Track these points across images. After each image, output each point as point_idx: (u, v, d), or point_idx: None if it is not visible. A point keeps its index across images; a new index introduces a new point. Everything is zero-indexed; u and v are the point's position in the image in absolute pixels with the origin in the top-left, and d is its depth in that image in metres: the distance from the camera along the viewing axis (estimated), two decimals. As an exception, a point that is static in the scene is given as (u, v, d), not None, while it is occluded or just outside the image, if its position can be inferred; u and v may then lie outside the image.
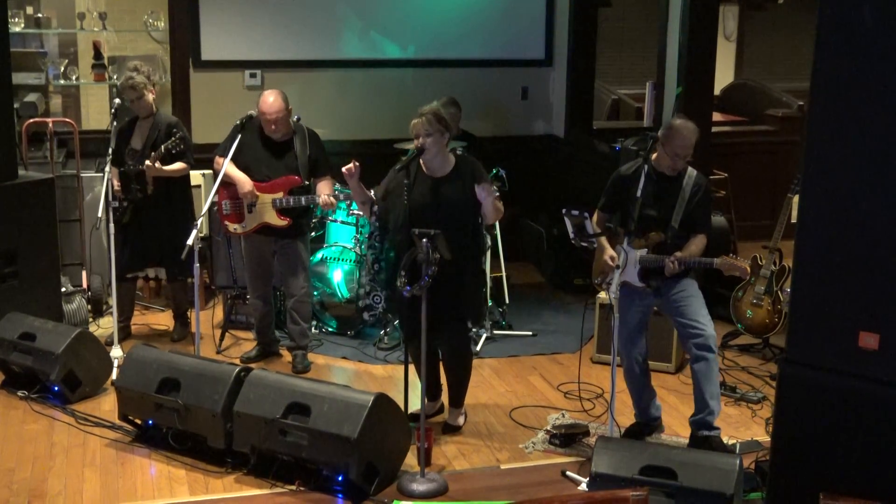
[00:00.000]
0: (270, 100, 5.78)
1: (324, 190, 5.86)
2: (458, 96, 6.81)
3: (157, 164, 6.01)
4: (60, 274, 6.55)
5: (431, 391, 5.39)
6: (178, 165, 6.15)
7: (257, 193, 5.84)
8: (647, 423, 5.22)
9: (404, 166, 4.95)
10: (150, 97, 6.14)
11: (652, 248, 4.93)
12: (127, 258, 6.25)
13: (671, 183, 4.95)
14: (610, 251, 4.95)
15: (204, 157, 6.46)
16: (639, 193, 4.85)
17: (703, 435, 4.98)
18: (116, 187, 6.08)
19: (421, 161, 5.03)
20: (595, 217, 5.08)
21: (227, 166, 5.71)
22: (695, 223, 4.96)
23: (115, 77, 7.50)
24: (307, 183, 5.88)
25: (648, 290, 4.98)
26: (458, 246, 4.81)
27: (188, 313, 6.51)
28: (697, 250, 4.92)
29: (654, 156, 4.97)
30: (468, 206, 5.01)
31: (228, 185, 5.84)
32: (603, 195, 5.12)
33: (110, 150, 5.91)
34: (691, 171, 4.98)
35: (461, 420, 5.38)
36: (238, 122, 5.83)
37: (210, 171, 6.53)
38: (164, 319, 6.88)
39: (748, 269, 4.99)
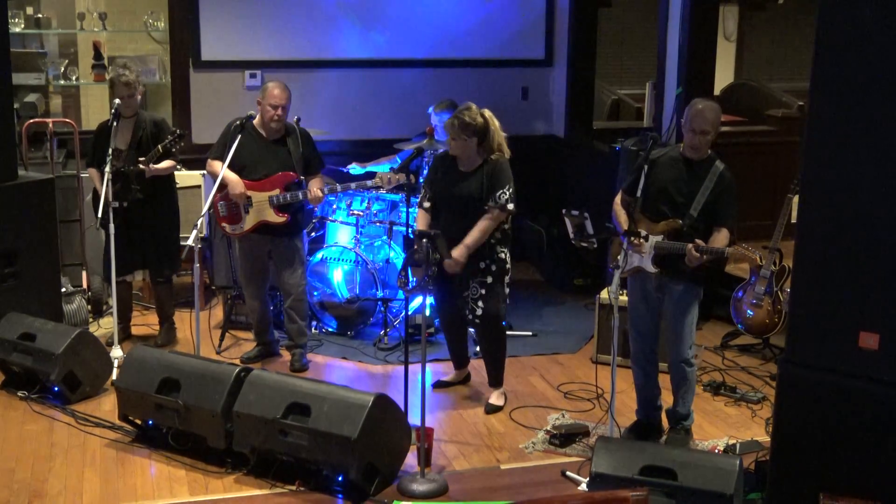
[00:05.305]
0: (276, 92, 5.81)
1: (314, 185, 5.87)
2: (458, 96, 6.80)
3: (152, 165, 6.01)
4: (60, 274, 6.55)
5: (458, 360, 5.82)
6: (168, 163, 6.15)
7: (248, 194, 5.85)
8: (648, 422, 5.22)
9: (407, 167, 5.33)
10: (138, 97, 6.15)
11: (668, 235, 4.90)
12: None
13: (696, 170, 4.90)
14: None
15: (204, 157, 6.44)
16: (638, 193, 4.85)
17: (676, 427, 5.15)
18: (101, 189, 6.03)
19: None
20: (618, 197, 5.12)
21: (222, 168, 5.71)
22: (716, 215, 4.88)
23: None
24: (302, 178, 5.89)
25: (660, 276, 4.94)
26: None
27: (174, 317, 6.51)
28: (719, 246, 4.82)
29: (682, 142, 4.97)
30: (478, 200, 5.29)
31: (221, 186, 5.84)
32: (629, 175, 5.09)
33: (110, 151, 5.89)
34: (720, 164, 4.93)
35: (501, 400, 5.58)
36: (238, 123, 5.83)
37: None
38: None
39: (758, 258, 4.99)
